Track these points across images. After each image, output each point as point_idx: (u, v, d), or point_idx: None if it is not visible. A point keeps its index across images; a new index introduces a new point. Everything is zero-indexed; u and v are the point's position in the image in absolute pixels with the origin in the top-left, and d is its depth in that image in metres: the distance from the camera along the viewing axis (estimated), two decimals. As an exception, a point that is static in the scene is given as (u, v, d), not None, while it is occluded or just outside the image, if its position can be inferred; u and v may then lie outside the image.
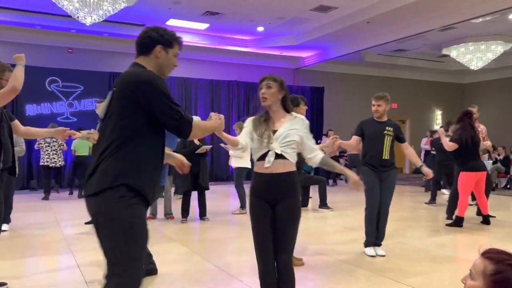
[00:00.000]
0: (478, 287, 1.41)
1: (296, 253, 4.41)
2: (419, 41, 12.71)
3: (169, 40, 2.23)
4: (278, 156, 2.62)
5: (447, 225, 6.18)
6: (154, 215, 6.77)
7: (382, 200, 4.60)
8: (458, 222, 6.12)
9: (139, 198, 2.02)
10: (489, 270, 1.39)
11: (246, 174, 7.69)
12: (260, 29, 11.86)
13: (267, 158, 2.64)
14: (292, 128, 2.68)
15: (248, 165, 7.57)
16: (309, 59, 14.38)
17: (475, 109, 6.87)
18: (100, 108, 2.11)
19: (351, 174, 2.77)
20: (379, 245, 4.70)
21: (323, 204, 7.80)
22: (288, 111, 2.77)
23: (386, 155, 4.59)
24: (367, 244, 4.69)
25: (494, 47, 12.35)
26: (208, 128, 2.39)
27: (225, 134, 2.70)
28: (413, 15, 10.02)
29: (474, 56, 12.66)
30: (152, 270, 3.86)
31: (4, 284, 3.50)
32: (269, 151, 2.64)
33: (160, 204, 7.01)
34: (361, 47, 12.51)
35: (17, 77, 3.19)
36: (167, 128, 2.10)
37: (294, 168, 2.69)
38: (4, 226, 5.83)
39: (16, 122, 3.66)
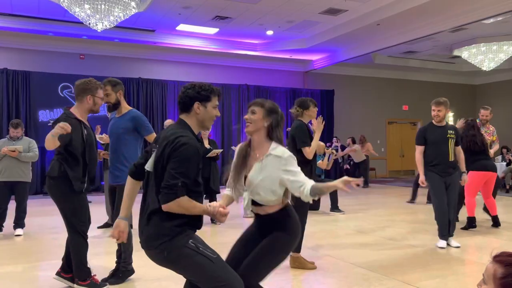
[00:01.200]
0: None
1: (308, 256, 4.41)
2: (429, 43, 12.63)
3: (206, 95, 2.32)
4: (254, 202, 2.44)
5: (461, 228, 6.11)
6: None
7: (450, 199, 4.96)
8: (470, 223, 6.06)
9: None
10: (499, 273, 1.38)
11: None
12: (270, 33, 11.89)
13: (243, 211, 2.47)
14: (261, 175, 2.39)
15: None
16: (319, 62, 14.37)
17: (488, 110, 6.79)
18: (149, 161, 2.28)
19: (340, 183, 2.23)
20: (452, 235, 5.08)
21: (334, 207, 7.77)
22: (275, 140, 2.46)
23: (451, 157, 4.97)
24: (441, 237, 5.03)
25: (506, 48, 12.22)
26: (194, 211, 2.24)
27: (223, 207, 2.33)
28: (423, 16, 9.97)
29: (486, 57, 12.53)
30: (131, 271, 3.89)
31: None
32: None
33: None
34: (371, 50, 12.47)
35: (47, 139, 3.37)
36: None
37: (280, 204, 2.43)
38: (19, 231, 5.92)
39: None
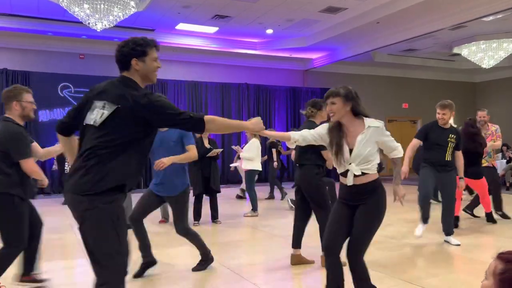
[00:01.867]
0: (489, 286, 1.43)
1: (310, 255, 4.41)
2: (429, 41, 12.62)
3: (141, 50, 2.29)
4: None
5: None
6: (166, 219, 6.81)
7: (446, 196, 5.06)
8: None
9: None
10: (499, 269, 1.41)
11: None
12: (269, 31, 11.88)
13: (347, 178, 2.76)
14: (367, 146, 2.72)
15: (259, 168, 7.58)
16: (319, 61, 14.36)
17: (485, 111, 6.73)
18: (93, 115, 2.20)
19: (396, 193, 2.98)
20: (451, 233, 5.09)
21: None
22: (362, 116, 2.80)
23: (448, 158, 4.99)
24: (423, 221, 5.08)
25: (506, 45, 12.20)
26: (232, 125, 2.48)
27: (270, 132, 2.91)
28: (423, 14, 9.96)
29: (486, 54, 12.52)
30: (152, 262, 3.99)
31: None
32: (348, 169, 2.76)
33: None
34: (371, 48, 12.46)
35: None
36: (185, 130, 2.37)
37: (376, 175, 2.79)
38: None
39: (35, 144, 3.75)
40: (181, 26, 11.27)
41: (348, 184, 2.75)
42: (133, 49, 2.26)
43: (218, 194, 6.82)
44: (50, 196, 10.59)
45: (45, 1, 9.04)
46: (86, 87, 11.66)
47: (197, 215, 6.55)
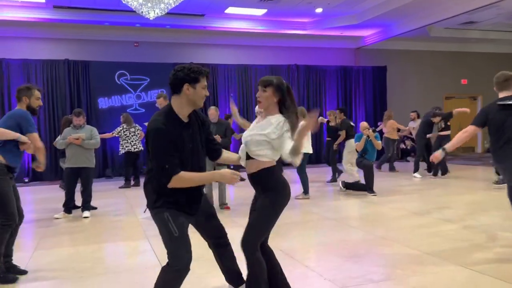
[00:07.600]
0: None
1: (361, 239, 4.39)
2: (492, 11, 11.81)
3: (194, 77, 2.49)
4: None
5: None
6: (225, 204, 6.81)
7: None
8: None
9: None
10: None
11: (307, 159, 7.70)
12: (319, 10, 11.65)
13: None
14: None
15: (310, 150, 7.55)
16: (371, 38, 13.93)
17: None
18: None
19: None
20: None
21: (368, 188, 7.56)
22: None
23: None
24: None
25: None
26: (200, 180, 2.63)
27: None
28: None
29: (556, 23, 11.59)
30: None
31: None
32: None
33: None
34: (426, 22, 11.88)
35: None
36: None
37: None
38: (86, 213, 6.34)
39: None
40: (230, 10, 11.32)
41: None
42: (188, 74, 2.49)
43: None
44: (111, 180, 11.18)
45: (101, -7, 9.39)
46: (141, 74, 12.08)
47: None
